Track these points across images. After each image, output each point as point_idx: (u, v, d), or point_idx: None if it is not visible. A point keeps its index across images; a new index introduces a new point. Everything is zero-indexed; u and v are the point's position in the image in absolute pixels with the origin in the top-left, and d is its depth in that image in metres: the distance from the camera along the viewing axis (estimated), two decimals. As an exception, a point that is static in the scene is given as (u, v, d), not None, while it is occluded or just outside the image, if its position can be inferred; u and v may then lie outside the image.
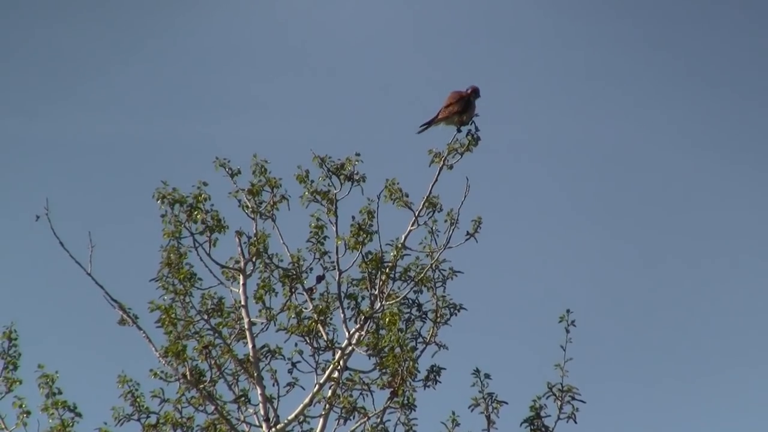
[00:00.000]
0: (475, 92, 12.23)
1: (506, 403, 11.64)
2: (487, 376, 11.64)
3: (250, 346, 12.10)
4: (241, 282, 12.35)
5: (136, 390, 11.95)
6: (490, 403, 11.59)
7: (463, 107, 12.21)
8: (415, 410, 11.87)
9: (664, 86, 24.94)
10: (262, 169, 12.50)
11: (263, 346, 12.11)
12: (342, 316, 12.12)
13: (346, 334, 12.03)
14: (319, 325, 12.12)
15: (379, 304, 12.06)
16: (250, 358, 12.05)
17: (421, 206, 12.17)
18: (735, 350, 23.48)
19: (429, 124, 12.39)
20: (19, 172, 22.52)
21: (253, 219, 12.44)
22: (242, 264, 12.38)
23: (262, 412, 11.91)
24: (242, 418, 11.94)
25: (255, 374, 12.00)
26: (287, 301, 12.25)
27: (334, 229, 12.24)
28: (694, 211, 25.14)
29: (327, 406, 11.91)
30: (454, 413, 11.63)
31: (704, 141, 25.01)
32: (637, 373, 22.79)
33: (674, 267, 24.65)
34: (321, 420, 11.96)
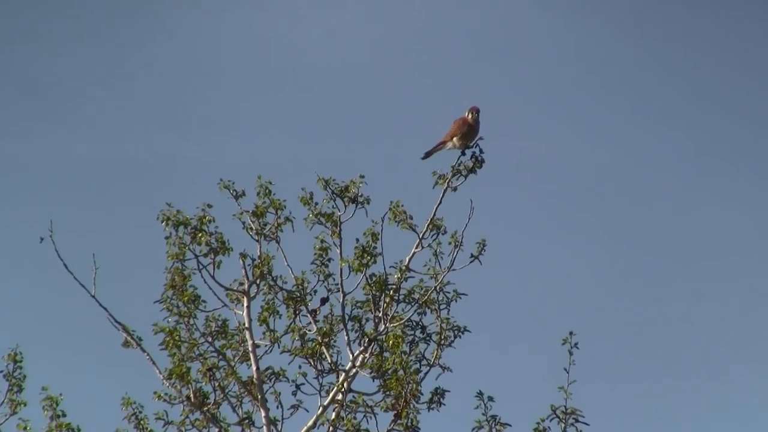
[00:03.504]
0: (476, 112, 12.22)
1: (510, 425, 11.64)
2: (490, 398, 11.63)
3: (254, 368, 12.09)
4: (245, 304, 12.40)
5: (140, 412, 12.02)
6: (493, 425, 11.61)
7: (467, 133, 12.17)
8: (419, 432, 11.97)
9: (669, 109, 25.14)
10: (267, 191, 12.54)
11: (267, 369, 12.12)
12: (346, 338, 12.12)
13: (350, 356, 12.05)
14: (323, 347, 12.12)
15: (383, 326, 12.06)
16: (254, 380, 12.06)
17: (425, 228, 12.18)
18: (741, 372, 23.62)
19: (433, 150, 12.39)
20: (22, 195, 22.73)
21: (258, 241, 12.47)
22: (246, 286, 12.43)
23: (266, 433, 11.93)
24: (246, 441, 11.92)
25: (259, 396, 12.00)
26: (291, 323, 12.25)
27: (339, 251, 12.28)
28: (695, 232, 25.33)
29: (331, 428, 11.88)
30: (458, 436, 11.48)
31: (707, 163, 25.20)
32: (642, 394, 22.90)
33: (678, 288, 24.82)
34: (325, 442, 12.04)
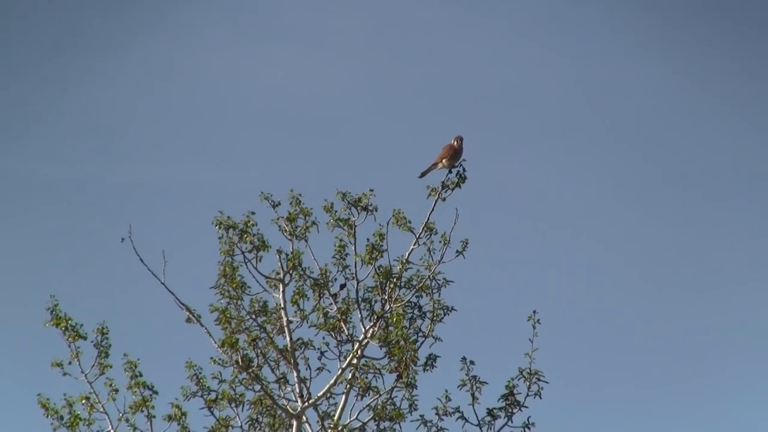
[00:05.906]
0: (460, 140, 12.90)
1: (487, 383, 12.59)
2: (472, 362, 12.61)
3: (288, 339, 12.97)
4: (281, 289, 13.15)
5: (200, 373, 12.95)
6: (474, 383, 12.52)
7: (453, 156, 12.93)
8: (416, 389, 12.91)
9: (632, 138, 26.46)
10: (297, 201, 13.21)
11: (298, 339, 13.00)
12: (359, 315, 12.93)
13: (363, 329, 12.88)
14: (341, 322, 12.94)
15: (388, 306, 12.84)
16: (288, 348, 12.92)
17: (421, 230, 12.97)
18: (691, 358, 25.50)
19: (427, 170, 13.09)
20: (109, 210, 24.38)
21: (290, 240, 13.21)
22: (282, 275, 13.16)
23: (297, 390, 12.88)
24: (282, 395, 12.92)
25: (292, 361, 12.88)
26: (317, 304, 13.04)
27: (353, 248, 13.06)
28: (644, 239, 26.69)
29: (348, 385, 12.89)
30: (447, 391, 12.68)
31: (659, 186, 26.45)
32: (594, 361, 24.88)
33: (630, 281, 26.55)
34: (343, 396, 12.97)
